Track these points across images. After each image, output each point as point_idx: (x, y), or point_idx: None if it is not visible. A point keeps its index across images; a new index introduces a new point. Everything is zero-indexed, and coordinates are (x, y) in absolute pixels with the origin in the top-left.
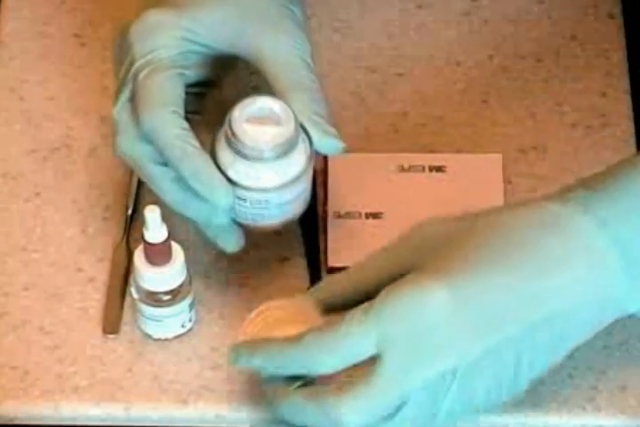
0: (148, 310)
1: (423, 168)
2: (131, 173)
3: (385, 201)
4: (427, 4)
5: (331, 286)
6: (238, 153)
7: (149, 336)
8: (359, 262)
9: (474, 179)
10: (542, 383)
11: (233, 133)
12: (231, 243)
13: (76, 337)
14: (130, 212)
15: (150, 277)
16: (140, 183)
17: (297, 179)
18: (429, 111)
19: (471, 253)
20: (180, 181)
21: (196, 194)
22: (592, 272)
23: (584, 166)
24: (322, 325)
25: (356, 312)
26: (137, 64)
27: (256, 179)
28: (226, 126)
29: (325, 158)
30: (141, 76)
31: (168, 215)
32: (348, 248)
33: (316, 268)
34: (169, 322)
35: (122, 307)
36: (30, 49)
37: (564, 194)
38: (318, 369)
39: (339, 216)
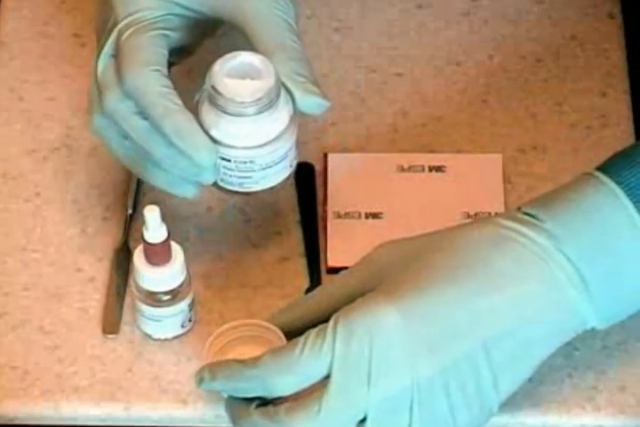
0: (147, 310)
1: (423, 168)
2: (130, 172)
3: (385, 201)
4: (427, 3)
5: (292, 309)
6: (220, 109)
7: (149, 336)
8: (319, 286)
9: (474, 179)
10: (542, 383)
11: (214, 88)
12: (187, 189)
13: (76, 337)
14: (130, 212)
15: (150, 277)
16: (140, 183)
17: (279, 137)
18: (429, 111)
19: (422, 271)
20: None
21: (180, 150)
22: (545, 288)
23: (584, 166)
24: (278, 347)
25: (311, 334)
26: (120, 25)
27: (239, 137)
28: (207, 82)
29: (325, 158)
30: (125, 36)
31: (168, 215)
32: (348, 248)
33: (316, 268)
34: (169, 322)
35: (122, 307)
36: (30, 49)
37: (517, 211)
38: (275, 391)
39: (339, 216)
